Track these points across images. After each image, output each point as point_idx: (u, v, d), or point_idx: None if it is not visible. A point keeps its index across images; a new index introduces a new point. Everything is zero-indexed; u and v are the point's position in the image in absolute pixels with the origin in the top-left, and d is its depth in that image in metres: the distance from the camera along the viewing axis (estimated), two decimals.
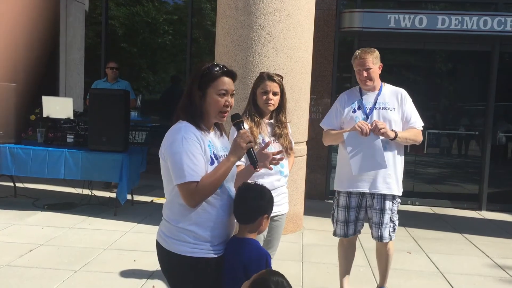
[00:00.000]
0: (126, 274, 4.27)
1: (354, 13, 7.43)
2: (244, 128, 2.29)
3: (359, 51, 3.66)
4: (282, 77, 3.20)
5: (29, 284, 3.97)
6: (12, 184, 6.76)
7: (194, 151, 2.11)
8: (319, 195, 7.70)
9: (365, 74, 3.62)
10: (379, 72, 3.69)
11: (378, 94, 3.68)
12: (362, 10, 7.39)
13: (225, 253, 2.23)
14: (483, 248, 5.53)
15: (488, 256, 5.26)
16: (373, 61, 3.62)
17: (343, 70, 8.03)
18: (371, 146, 3.48)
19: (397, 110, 3.64)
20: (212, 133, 2.29)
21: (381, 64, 3.70)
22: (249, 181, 3.07)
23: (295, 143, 4.12)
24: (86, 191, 6.58)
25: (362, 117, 3.63)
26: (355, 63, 3.68)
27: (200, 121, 2.21)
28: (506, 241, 5.94)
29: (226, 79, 2.21)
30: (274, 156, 2.45)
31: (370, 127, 3.45)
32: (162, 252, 2.23)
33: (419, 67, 8.12)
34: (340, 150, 3.83)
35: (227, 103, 2.21)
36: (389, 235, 3.71)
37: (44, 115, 6.41)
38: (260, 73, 3.26)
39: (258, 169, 2.35)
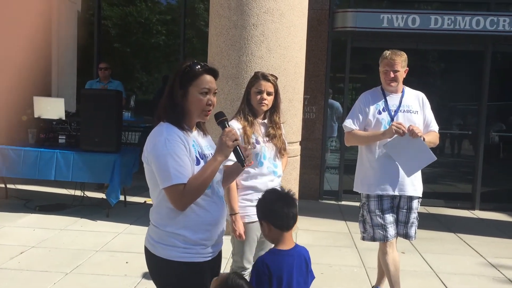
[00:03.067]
0: (118, 276, 4.23)
1: (347, 13, 7.42)
2: (228, 126, 2.24)
3: (389, 52, 3.65)
4: (276, 78, 3.18)
5: (20, 287, 3.92)
6: (3, 185, 6.70)
7: (179, 152, 2.05)
8: (313, 195, 7.68)
9: (392, 75, 3.62)
10: (404, 75, 3.70)
11: (402, 97, 3.70)
12: (355, 10, 7.38)
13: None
14: (477, 248, 5.53)
15: (482, 256, 5.26)
16: (402, 64, 3.64)
17: (337, 70, 8.02)
18: (413, 145, 3.47)
19: (420, 113, 3.69)
20: (195, 132, 2.23)
21: (407, 68, 3.71)
22: (246, 183, 3.05)
23: (289, 143, 4.10)
24: (78, 192, 6.53)
25: (388, 119, 3.63)
26: (383, 63, 3.66)
27: (182, 120, 2.15)
28: (499, 240, 5.95)
29: (208, 77, 2.15)
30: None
31: (406, 128, 3.45)
32: (151, 258, 2.17)
33: (412, 67, 8.04)
34: (362, 153, 3.78)
35: (210, 101, 2.15)
36: (415, 233, 3.75)
37: (36, 115, 6.35)
38: (254, 72, 3.23)
39: (246, 167, 2.30)
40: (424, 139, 3.53)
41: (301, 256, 2.24)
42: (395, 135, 3.48)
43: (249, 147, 2.95)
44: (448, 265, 4.92)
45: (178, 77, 2.14)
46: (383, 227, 3.65)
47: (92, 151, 5.94)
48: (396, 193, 3.64)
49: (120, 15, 9.80)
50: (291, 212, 2.21)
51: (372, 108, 3.68)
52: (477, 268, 4.90)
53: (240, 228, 3.02)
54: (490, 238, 5.99)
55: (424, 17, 7.14)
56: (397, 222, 3.72)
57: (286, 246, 2.21)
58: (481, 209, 7.59)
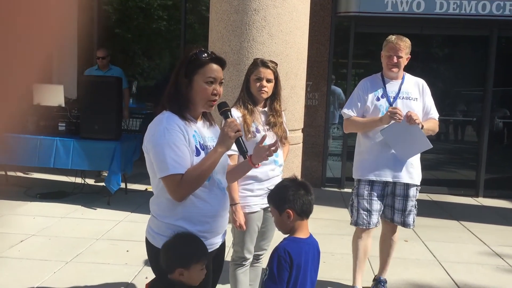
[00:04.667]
0: (119, 264, 4.20)
1: None
2: (231, 116, 2.19)
3: (395, 37, 3.60)
4: (276, 64, 3.10)
5: (19, 276, 3.89)
6: (3, 172, 6.66)
7: (178, 142, 2.01)
8: (315, 183, 7.62)
9: (395, 60, 3.57)
10: (406, 63, 3.65)
11: (402, 83, 3.66)
12: None
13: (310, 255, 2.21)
14: (481, 236, 5.48)
15: (485, 244, 5.21)
16: (406, 51, 3.59)
17: (340, 55, 7.92)
18: (410, 132, 3.44)
19: (419, 100, 3.65)
20: (200, 123, 2.18)
21: (410, 56, 3.66)
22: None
23: (291, 130, 4.04)
24: (79, 180, 6.49)
25: (386, 105, 3.60)
26: (387, 47, 3.61)
27: (186, 110, 2.09)
28: (503, 228, 5.89)
29: (215, 66, 2.09)
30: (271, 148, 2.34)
31: (402, 113, 3.42)
32: (151, 249, 2.14)
33: (416, 52, 7.91)
34: (359, 139, 3.77)
35: (215, 91, 2.08)
36: (413, 222, 3.74)
37: (34, 103, 6.27)
38: (254, 59, 3.16)
39: (247, 159, 2.28)
40: (422, 126, 3.49)
41: (315, 246, 2.26)
42: (392, 121, 3.44)
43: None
44: (451, 254, 4.88)
45: (184, 65, 2.08)
46: (369, 213, 3.66)
47: (92, 138, 5.88)
48: (390, 179, 3.62)
49: (120, 0, 9.68)
50: (313, 199, 2.23)
51: (370, 94, 3.65)
52: (480, 256, 4.85)
53: (241, 219, 2.96)
54: (494, 226, 5.94)
55: (429, 1, 7.01)
56: (393, 210, 3.72)
57: (304, 234, 2.22)
58: (485, 196, 7.53)
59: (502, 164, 7.97)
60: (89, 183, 6.60)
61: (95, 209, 5.84)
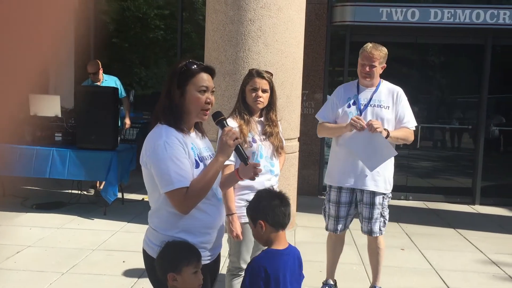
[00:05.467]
0: (115, 275, 4.19)
1: (346, 7, 7.35)
2: (228, 125, 2.21)
3: (370, 45, 3.64)
4: (271, 74, 3.12)
5: None
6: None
7: (179, 155, 2.02)
8: (311, 191, 7.63)
9: (367, 69, 3.61)
10: (381, 72, 3.68)
11: (375, 91, 3.69)
12: (354, 4, 7.30)
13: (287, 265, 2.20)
14: (477, 244, 5.49)
15: (482, 252, 5.22)
16: (380, 60, 3.62)
17: (335, 64, 7.96)
18: (374, 140, 3.47)
19: (391, 109, 3.66)
20: (193, 134, 2.19)
21: (385, 65, 3.69)
22: (243, 182, 3.00)
23: (287, 139, 4.05)
24: (76, 190, 6.47)
25: (355, 112, 3.64)
26: (362, 56, 3.65)
27: (180, 121, 2.11)
28: (499, 236, 5.90)
29: (205, 75, 2.12)
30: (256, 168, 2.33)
31: (364, 122, 3.45)
32: (150, 260, 2.14)
33: (411, 61, 8.05)
34: (332, 145, 3.85)
35: (208, 100, 2.11)
36: (380, 229, 3.76)
37: (31, 113, 6.28)
38: (249, 70, 3.17)
39: (234, 171, 2.31)
40: (388, 134, 3.51)
41: (294, 256, 2.25)
42: (354, 130, 3.49)
43: (246, 145, 2.93)
44: (448, 262, 4.88)
45: (175, 77, 2.10)
46: (335, 220, 3.79)
47: (88, 148, 5.88)
48: (355, 186, 3.68)
49: (117, 10, 9.72)
50: (287, 210, 2.22)
51: (342, 101, 3.71)
52: (477, 264, 4.86)
53: (237, 229, 2.97)
54: (490, 234, 5.95)
55: (423, 10, 7.07)
56: (360, 218, 3.79)
57: (281, 245, 2.21)
58: (481, 204, 7.54)
59: (498, 171, 7.99)
60: (85, 193, 6.58)
61: (92, 219, 5.83)
